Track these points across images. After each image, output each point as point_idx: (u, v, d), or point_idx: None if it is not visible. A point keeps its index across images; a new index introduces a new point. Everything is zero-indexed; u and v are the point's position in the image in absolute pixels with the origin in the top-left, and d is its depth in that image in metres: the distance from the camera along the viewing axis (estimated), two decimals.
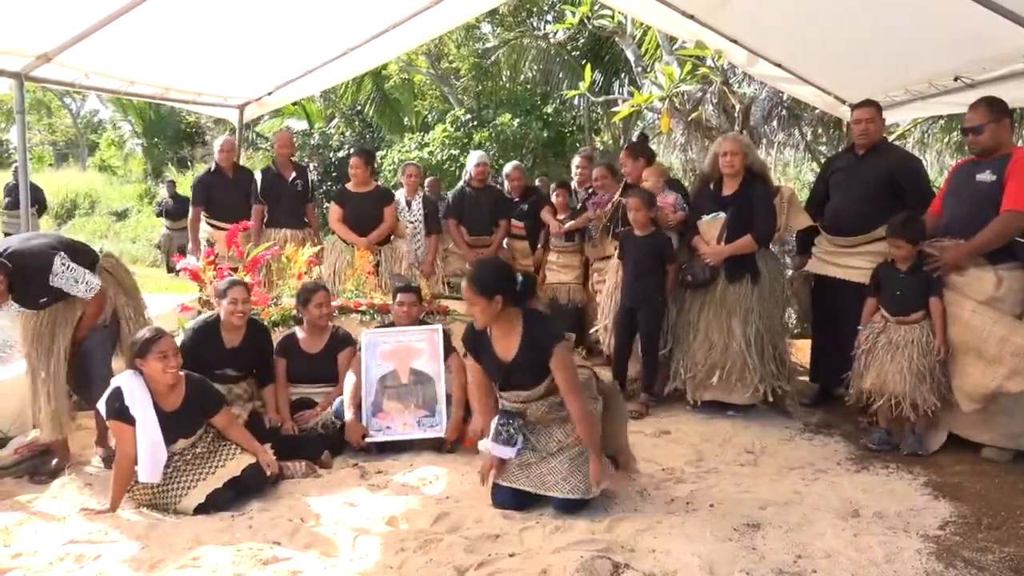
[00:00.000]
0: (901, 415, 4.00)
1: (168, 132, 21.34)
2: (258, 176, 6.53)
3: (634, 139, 6.93)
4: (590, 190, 6.01)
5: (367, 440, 4.12)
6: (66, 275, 3.69)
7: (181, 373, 3.50)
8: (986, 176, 3.91)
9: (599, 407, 3.42)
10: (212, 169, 6.56)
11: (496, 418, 3.35)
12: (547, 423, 3.36)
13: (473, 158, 6.65)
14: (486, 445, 3.39)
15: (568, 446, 3.32)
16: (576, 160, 6.50)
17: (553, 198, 6.14)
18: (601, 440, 3.34)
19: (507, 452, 3.31)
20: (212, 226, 6.40)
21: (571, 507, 3.25)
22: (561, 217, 6.03)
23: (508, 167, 6.95)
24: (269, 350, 4.38)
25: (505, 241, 6.58)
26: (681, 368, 4.75)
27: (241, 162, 6.87)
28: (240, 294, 4.09)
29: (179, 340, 3.93)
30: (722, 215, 4.64)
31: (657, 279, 4.72)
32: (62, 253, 3.71)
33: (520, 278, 3.26)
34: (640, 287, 4.76)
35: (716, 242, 4.64)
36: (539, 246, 6.35)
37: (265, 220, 6.40)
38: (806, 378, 5.19)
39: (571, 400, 3.17)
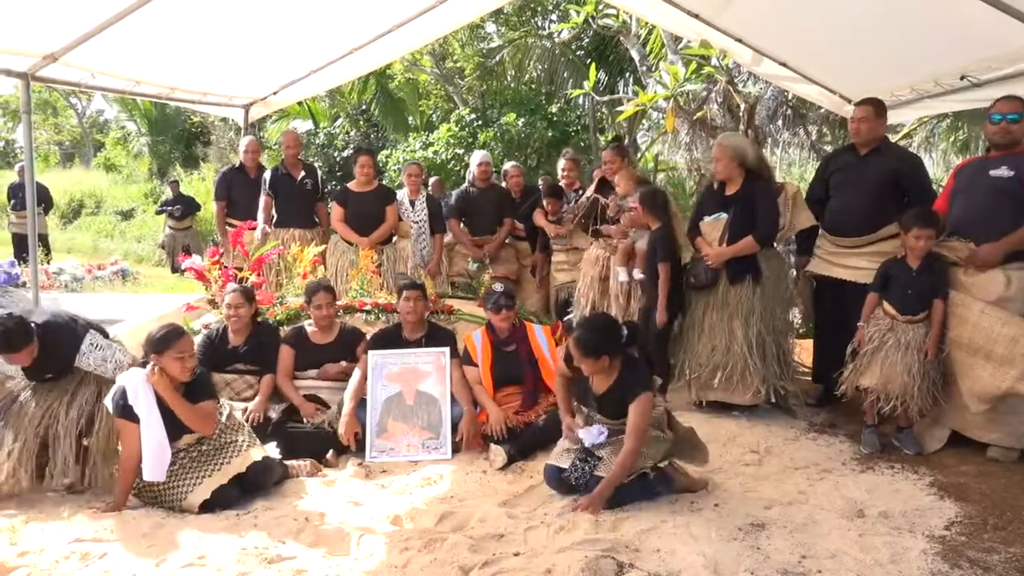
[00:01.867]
0: (892, 413, 4.03)
1: (174, 131, 21.39)
2: (267, 174, 6.59)
3: (615, 138, 7.07)
4: (580, 192, 6.08)
5: (369, 460, 4.07)
6: (95, 354, 3.62)
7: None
8: (1002, 172, 3.89)
9: (668, 437, 3.55)
10: (236, 166, 6.72)
11: (575, 456, 3.51)
12: (608, 453, 3.47)
13: (476, 157, 6.66)
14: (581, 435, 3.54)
15: (611, 464, 3.40)
16: (562, 163, 6.54)
17: (545, 205, 6.14)
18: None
19: (590, 438, 3.49)
20: (229, 224, 6.50)
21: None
22: (554, 219, 6.05)
23: (507, 166, 6.97)
24: (276, 347, 4.46)
25: (508, 241, 6.59)
26: (686, 368, 4.75)
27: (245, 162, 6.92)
28: (235, 299, 4.37)
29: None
30: (723, 216, 4.60)
31: (657, 278, 4.71)
32: (92, 331, 3.70)
33: (625, 332, 3.45)
34: (649, 286, 4.80)
35: (718, 243, 4.61)
36: (537, 249, 6.35)
37: (275, 219, 6.44)
38: (811, 378, 5.19)
39: (631, 437, 3.33)
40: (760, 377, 4.50)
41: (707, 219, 4.69)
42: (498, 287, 4.42)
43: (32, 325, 3.48)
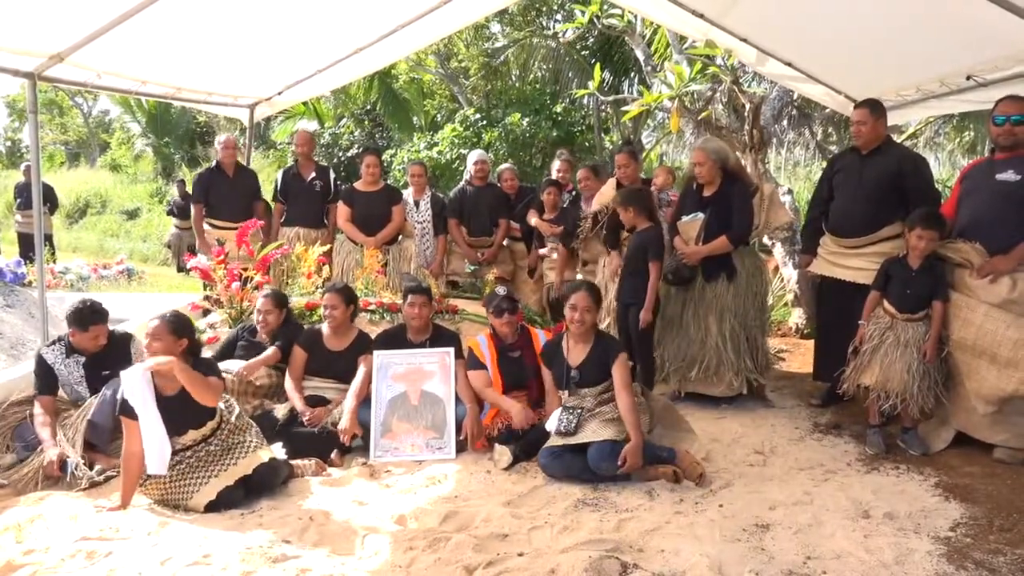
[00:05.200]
0: (893, 411, 4.06)
1: (178, 131, 21.43)
2: (279, 175, 6.57)
3: (627, 142, 7.11)
4: (573, 192, 6.07)
5: (373, 459, 4.07)
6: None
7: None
8: (1009, 176, 3.87)
9: (644, 404, 3.96)
10: (214, 167, 6.55)
11: (559, 411, 3.84)
12: (594, 409, 3.81)
13: (473, 156, 6.67)
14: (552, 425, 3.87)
15: (603, 413, 3.75)
16: (556, 164, 6.55)
17: (543, 196, 6.15)
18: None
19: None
20: (210, 225, 6.41)
21: (606, 457, 3.55)
22: (549, 217, 6.04)
23: (500, 168, 6.96)
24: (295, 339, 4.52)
25: (505, 242, 6.58)
26: (666, 361, 4.97)
27: (254, 163, 6.89)
28: (264, 305, 4.51)
29: None
30: (701, 216, 4.79)
31: (645, 276, 4.72)
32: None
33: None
34: (630, 285, 4.83)
35: (695, 242, 4.80)
36: (533, 247, 6.33)
37: (283, 218, 6.44)
38: (812, 377, 5.19)
39: (623, 394, 3.71)
40: (734, 370, 4.75)
41: (685, 219, 4.88)
42: (500, 290, 4.41)
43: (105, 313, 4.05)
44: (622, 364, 3.77)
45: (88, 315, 4.00)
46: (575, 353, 3.89)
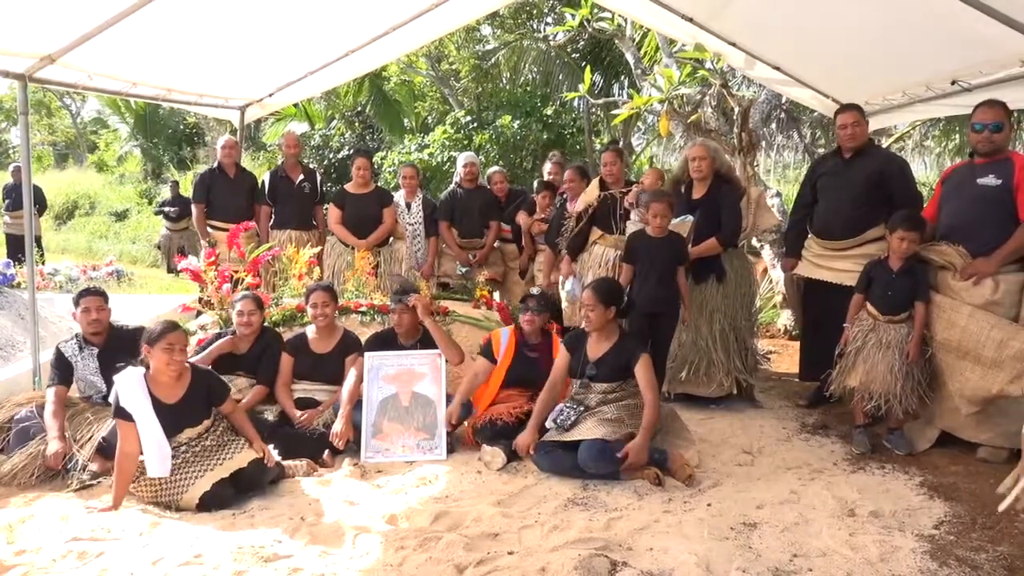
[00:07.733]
0: (877, 412, 4.11)
1: (167, 133, 21.33)
2: (266, 177, 6.57)
3: (613, 141, 7.08)
4: (564, 195, 6.09)
5: (364, 460, 4.08)
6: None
7: (187, 365, 3.56)
8: (989, 180, 3.93)
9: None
10: (215, 168, 6.57)
11: (562, 403, 3.92)
12: (595, 408, 3.87)
13: (462, 159, 6.67)
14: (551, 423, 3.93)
15: (601, 412, 3.80)
16: (548, 167, 6.57)
17: (537, 198, 6.15)
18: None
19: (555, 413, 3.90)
20: (211, 225, 6.44)
21: (595, 456, 3.61)
22: (541, 217, 6.05)
23: (491, 170, 6.96)
24: (278, 355, 4.43)
25: (496, 243, 6.60)
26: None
27: (245, 165, 6.88)
28: (247, 306, 4.36)
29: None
30: (690, 218, 4.82)
31: (676, 283, 4.55)
32: None
33: (625, 298, 4.03)
34: (663, 293, 4.52)
35: None
36: (524, 249, 6.33)
37: (272, 221, 6.44)
38: (797, 378, 5.24)
39: (649, 393, 3.77)
40: (724, 370, 4.81)
41: (674, 221, 4.83)
42: (535, 290, 4.50)
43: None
44: (645, 365, 3.78)
45: (82, 291, 4.17)
46: (595, 347, 3.92)
